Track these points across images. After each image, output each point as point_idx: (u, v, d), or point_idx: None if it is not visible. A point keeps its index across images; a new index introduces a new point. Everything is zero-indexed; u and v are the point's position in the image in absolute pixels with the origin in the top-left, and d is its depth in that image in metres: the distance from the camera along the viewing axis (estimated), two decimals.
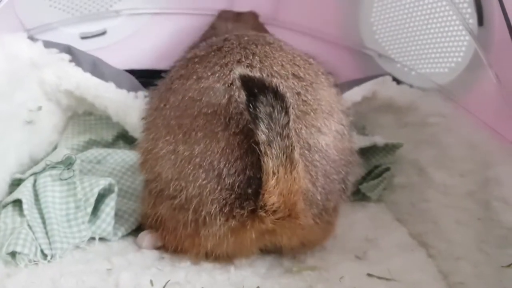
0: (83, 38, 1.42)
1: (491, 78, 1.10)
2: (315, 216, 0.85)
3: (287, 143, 0.76)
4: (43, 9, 1.31)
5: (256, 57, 0.88)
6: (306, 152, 0.83)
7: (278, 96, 0.75)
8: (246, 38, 0.94)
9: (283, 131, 0.75)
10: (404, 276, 0.90)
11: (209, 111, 0.83)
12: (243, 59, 0.88)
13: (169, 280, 0.84)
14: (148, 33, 1.52)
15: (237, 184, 0.80)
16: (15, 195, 0.94)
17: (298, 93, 0.86)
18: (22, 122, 1.09)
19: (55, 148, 1.22)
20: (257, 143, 0.77)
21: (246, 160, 0.80)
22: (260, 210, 0.79)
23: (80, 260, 0.89)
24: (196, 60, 0.92)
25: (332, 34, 1.53)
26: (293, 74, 0.88)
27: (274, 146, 0.75)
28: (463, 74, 1.23)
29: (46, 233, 0.90)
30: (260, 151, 0.76)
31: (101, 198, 0.97)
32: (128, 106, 1.23)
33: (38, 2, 1.29)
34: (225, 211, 0.81)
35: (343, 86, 1.34)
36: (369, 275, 0.90)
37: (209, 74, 0.87)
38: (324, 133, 0.86)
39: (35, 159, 1.13)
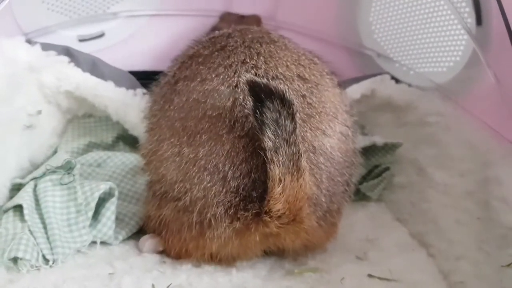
0: (81, 40, 1.42)
1: (489, 77, 1.10)
2: (319, 218, 0.85)
3: (294, 150, 0.75)
4: (41, 12, 1.31)
5: (261, 57, 0.87)
6: (311, 154, 0.83)
7: (284, 102, 0.74)
8: (250, 35, 0.93)
9: (289, 137, 0.75)
10: (404, 277, 0.91)
11: (214, 114, 0.83)
12: (248, 60, 0.87)
13: (171, 283, 0.84)
14: (146, 34, 1.52)
15: (242, 187, 0.80)
16: (16, 200, 0.94)
17: (303, 96, 0.85)
18: (21, 127, 1.09)
19: (54, 151, 1.22)
20: (263, 149, 0.76)
21: (251, 163, 0.80)
22: (264, 215, 0.79)
23: (82, 264, 0.89)
24: (200, 60, 0.91)
25: (330, 34, 1.53)
26: (298, 76, 0.87)
27: (281, 153, 0.75)
28: (461, 73, 1.23)
29: (48, 238, 0.90)
30: (266, 158, 0.76)
31: (101, 202, 0.97)
32: (127, 104, 1.24)
33: (36, 5, 1.29)
34: (230, 213, 0.81)
35: (342, 85, 1.35)
36: (370, 276, 0.90)
37: (213, 76, 0.86)
38: (329, 136, 0.86)
39: (35, 163, 1.13)
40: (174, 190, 0.84)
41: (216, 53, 0.90)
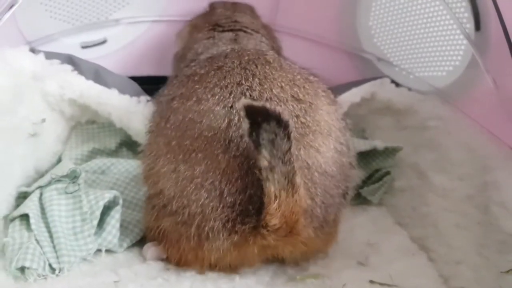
0: (83, 47, 1.43)
1: (488, 82, 1.11)
2: (315, 229, 0.87)
3: (289, 168, 0.77)
4: (44, 20, 1.32)
5: (256, 79, 0.89)
6: (306, 170, 0.85)
7: (281, 122, 0.76)
8: (246, 57, 0.95)
9: (284, 156, 0.76)
10: (405, 281, 0.92)
11: (209, 134, 0.84)
12: (243, 81, 0.89)
13: None
14: (148, 40, 1.54)
15: (239, 202, 0.82)
16: (22, 209, 0.95)
17: (297, 116, 0.87)
18: (26, 135, 1.10)
19: (59, 158, 1.23)
20: (259, 168, 0.78)
21: (246, 180, 0.82)
22: (262, 229, 0.81)
23: (87, 272, 0.90)
24: (196, 78, 0.93)
25: (330, 38, 1.54)
26: (292, 96, 0.89)
27: (276, 171, 0.77)
28: (461, 78, 1.24)
29: (54, 247, 0.91)
30: (262, 176, 0.77)
31: (106, 210, 0.98)
32: (131, 112, 1.25)
33: (39, 14, 1.30)
34: (228, 227, 0.83)
35: (341, 88, 1.36)
36: (371, 281, 0.91)
37: (209, 96, 0.88)
38: (323, 152, 0.87)
39: (39, 171, 1.14)
40: (172, 205, 0.86)
41: (213, 72, 0.92)
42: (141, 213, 1.05)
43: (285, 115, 0.76)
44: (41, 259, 0.88)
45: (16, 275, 0.85)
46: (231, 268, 0.90)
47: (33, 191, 1.01)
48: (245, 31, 1.26)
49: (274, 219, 0.79)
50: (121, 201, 0.99)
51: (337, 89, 1.35)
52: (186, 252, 0.89)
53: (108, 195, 0.97)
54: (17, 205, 1.00)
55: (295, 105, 0.88)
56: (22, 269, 0.86)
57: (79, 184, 0.99)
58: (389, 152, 1.28)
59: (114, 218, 0.97)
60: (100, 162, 1.19)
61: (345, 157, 0.93)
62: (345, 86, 1.39)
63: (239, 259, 0.87)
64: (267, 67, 0.92)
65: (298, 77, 0.93)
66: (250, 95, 0.87)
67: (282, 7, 1.58)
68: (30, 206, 0.95)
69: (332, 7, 1.52)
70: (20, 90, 1.12)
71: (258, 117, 0.76)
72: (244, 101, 0.79)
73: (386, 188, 1.25)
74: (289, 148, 0.77)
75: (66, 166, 1.04)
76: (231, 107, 0.86)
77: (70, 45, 1.39)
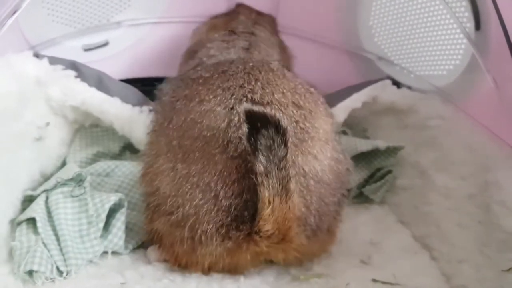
0: (86, 50, 1.44)
1: (489, 81, 1.12)
2: (308, 237, 0.88)
3: (284, 174, 0.78)
4: (47, 24, 1.33)
5: (259, 83, 0.90)
6: (302, 178, 0.86)
7: (279, 129, 0.77)
8: (251, 64, 0.96)
9: (280, 163, 0.77)
10: (408, 280, 0.93)
11: (208, 134, 0.85)
12: (246, 85, 0.90)
13: None
14: (150, 42, 1.54)
15: (234, 206, 0.83)
16: (29, 213, 0.96)
17: (297, 121, 0.88)
18: (31, 139, 1.11)
19: (63, 161, 1.24)
20: (254, 173, 0.78)
21: (243, 183, 0.82)
22: (255, 235, 0.82)
23: (94, 275, 0.92)
24: (201, 81, 0.94)
25: (331, 38, 1.55)
26: (293, 103, 0.90)
27: (271, 177, 0.77)
28: (461, 77, 1.25)
29: (61, 250, 0.92)
30: (257, 181, 0.78)
31: (111, 213, 0.99)
32: (133, 121, 1.25)
33: (41, 18, 1.31)
34: (222, 232, 0.83)
35: (342, 93, 1.37)
36: (374, 280, 0.93)
37: (211, 97, 0.89)
38: (320, 160, 0.88)
39: (45, 174, 1.15)
40: (167, 204, 0.87)
41: (217, 75, 0.94)
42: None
43: (284, 122, 0.77)
44: (49, 262, 0.89)
45: (25, 279, 0.87)
46: (224, 273, 0.91)
47: (39, 195, 1.02)
48: (259, 45, 1.26)
49: (267, 225, 0.80)
50: (126, 204, 1.01)
51: (338, 95, 1.37)
52: (180, 256, 0.89)
53: (113, 198, 0.98)
54: (23, 209, 1.01)
55: (295, 111, 0.89)
56: (30, 273, 0.87)
57: (84, 188, 1.00)
58: (391, 151, 1.29)
59: (120, 221, 0.98)
60: (104, 164, 1.19)
61: (342, 164, 0.94)
62: (345, 92, 1.40)
63: (232, 265, 0.88)
64: (270, 74, 0.94)
65: (300, 86, 0.95)
66: (252, 98, 0.88)
67: (283, 7, 1.59)
68: (37, 210, 0.96)
69: (332, 6, 1.53)
70: (25, 95, 1.13)
71: (258, 122, 0.77)
72: (245, 105, 0.81)
73: (388, 186, 1.26)
74: (285, 155, 0.78)
75: (71, 170, 1.05)
76: (232, 108, 0.86)
77: (72, 48, 1.40)
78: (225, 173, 0.83)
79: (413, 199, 1.18)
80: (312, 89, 0.98)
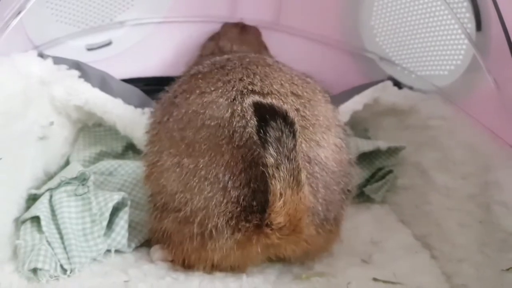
0: (89, 49, 1.45)
1: (490, 82, 1.12)
2: (317, 226, 0.87)
3: (294, 165, 0.78)
4: (51, 24, 1.34)
5: (257, 76, 0.91)
6: (307, 164, 0.85)
7: (287, 120, 0.77)
8: (247, 59, 0.97)
9: (290, 154, 0.77)
10: (408, 279, 0.93)
11: (212, 124, 0.85)
12: (245, 78, 0.91)
13: None
14: (153, 42, 1.55)
15: (242, 197, 0.82)
16: (33, 211, 0.97)
17: (297, 109, 0.89)
18: (35, 139, 1.12)
19: (67, 160, 1.25)
20: (265, 165, 0.78)
21: (250, 173, 0.82)
22: (266, 227, 0.82)
23: (98, 273, 0.92)
24: (200, 76, 0.95)
25: (333, 38, 1.55)
26: (292, 92, 0.91)
27: (282, 168, 0.77)
28: (462, 77, 1.25)
29: (64, 248, 0.93)
30: (268, 174, 0.78)
31: (115, 211, 1.00)
32: (135, 122, 1.26)
33: (45, 18, 1.32)
34: (232, 224, 0.83)
35: (343, 96, 1.38)
36: (375, 279, 0.93)
37: (212, 89, 0.90)
38: (323, 146, 0.89)
39: (49, 173, 1.16)
40: (174, 201, 0.86)
41: (216, 70, 0.94)
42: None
43: (292, 113, 0.77)
44: (53, 260, 0.89)
45: (29, 276, 0.88)
46: (233, 269, 0.91)
47: (43, 194, 1.03)
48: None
49: (279, 217, 0.80)
50: (129, 202, 1.01)
51: (339, 98, 1.37)
52: (189, 253, 0.89)
53: (116, 197, 0.99)
54: (27, 207, 1.02)
55: (294, 100, 0.90)
56: (35, 270, 0.88)
57: (88, 186, 1.01)
58: (392, 151, 1.29)
59: (123, 219, 0.99)
60: (107, 163, 1.20)
61: (345, 153, 0.94)
62: (346, 94, 1.40)
63: (242, 259, 0.88)
64: (267, 68, 0.95)
65: (296, 78, 0.96)
66: (252, 89, 0.88)
67: (285, 7, 1.59)
68: (41, 209, 0.97)
69: (334, 6, 1.53)
70: (30, 95, 1.13)
71: (267, 114, 0.77)
72: (252, 98, 0.81)
73: (389, 186, 1.27)
74: (295, 146, 0.77)
75: (75, 169, 1.06)
76: (234, 99, 0.87)
77: (75, 47, 1.41)
78: (232, 163, 0.83)
79: (414, 199, 1.19)
80: (308, 79, 0.98)
